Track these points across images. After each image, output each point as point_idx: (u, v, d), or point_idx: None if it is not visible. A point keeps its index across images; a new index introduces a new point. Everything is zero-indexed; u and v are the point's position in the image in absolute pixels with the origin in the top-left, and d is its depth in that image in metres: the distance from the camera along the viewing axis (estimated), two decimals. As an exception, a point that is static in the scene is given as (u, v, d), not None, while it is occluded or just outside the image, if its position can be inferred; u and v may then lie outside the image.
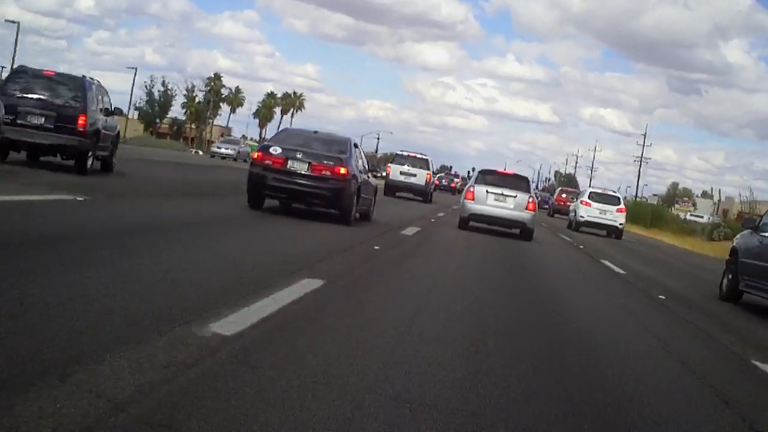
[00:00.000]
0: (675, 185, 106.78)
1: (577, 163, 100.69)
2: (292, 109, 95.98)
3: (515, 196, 14.76)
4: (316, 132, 12.76)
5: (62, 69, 15.53)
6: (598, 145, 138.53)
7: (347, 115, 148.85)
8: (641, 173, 72.43)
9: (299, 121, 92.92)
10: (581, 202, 25.59)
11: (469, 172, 16.97)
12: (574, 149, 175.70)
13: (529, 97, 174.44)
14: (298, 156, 11.08)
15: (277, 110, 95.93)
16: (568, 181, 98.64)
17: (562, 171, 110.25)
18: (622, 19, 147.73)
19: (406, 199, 28.35)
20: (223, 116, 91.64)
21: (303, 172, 10.97)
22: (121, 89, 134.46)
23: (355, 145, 12.53)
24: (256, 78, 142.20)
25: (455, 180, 57.72)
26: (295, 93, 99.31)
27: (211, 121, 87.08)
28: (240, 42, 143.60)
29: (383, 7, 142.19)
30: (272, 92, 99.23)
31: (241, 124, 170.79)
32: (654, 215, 47.17)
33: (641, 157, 71.63)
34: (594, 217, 24.71)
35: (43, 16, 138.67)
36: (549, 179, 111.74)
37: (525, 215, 14.77)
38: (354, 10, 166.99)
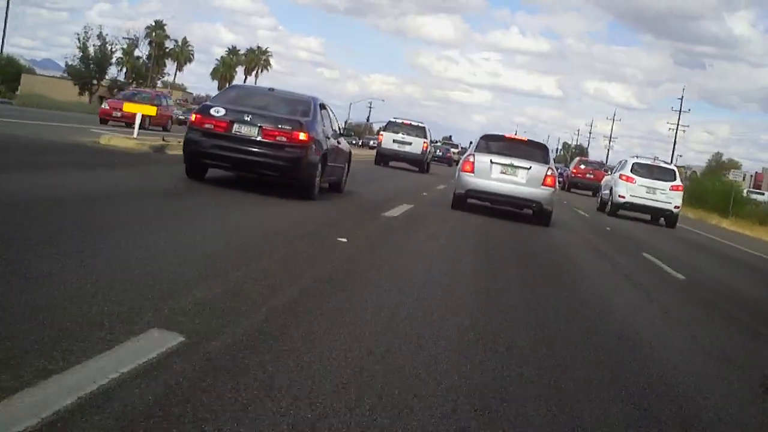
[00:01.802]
0: (718, 156, 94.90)
1: (591, 133, 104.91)
2: (258, 68, 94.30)
3: (528, 168, 13.14)
4: (271, 89, 12.25)
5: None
6: (598, 119, 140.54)
7: (350, 89, 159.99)
8: (676, 142, 70.94)
9: (269, 83, 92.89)
10: (621, 176, 21.58)
11: (470, 142, 16.39)
12: (578, 123, 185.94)
13: (533, 70, 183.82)
14: (245, 119, 10.53)
15: (240, 70, 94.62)
16: (580, 153, 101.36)
17: (571, 143, 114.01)
18: None
19: (401, 169, 29.16)
20: (174, 77, 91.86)
21: (252, 138, 10.42)
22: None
23: (322, 106, 11.99)
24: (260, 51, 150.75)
25: (451, 150, 57.35)
26: (259, 48, 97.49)
27: (158, 80, 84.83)
28: (243, 14, 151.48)
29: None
30: (234, 47, 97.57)
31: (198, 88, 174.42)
32: (722, 196, 38.06)
33: (677, 125, 70.87)
34: (640, 197, 21.04)
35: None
36: (558, 149, 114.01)
37: (541, 192, 13.12)
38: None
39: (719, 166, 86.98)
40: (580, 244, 12.79)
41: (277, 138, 10.47)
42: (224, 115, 10.54)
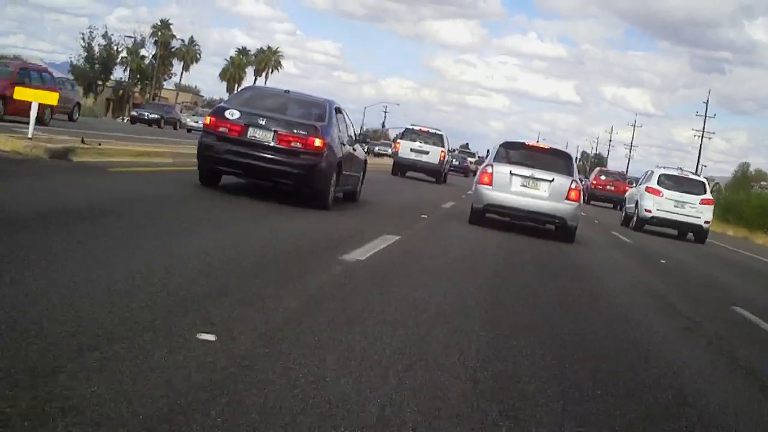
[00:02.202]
0: (745, 166, 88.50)
1: (611, 141, 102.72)
2: (268, 69, 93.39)
3: (551, 180, 12.57)
4: (287, 92, 12.31)
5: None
6: (616, 125, 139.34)
7: (367, 92, 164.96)
8: (702, 150, 68.60)
9: (281, 84, 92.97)
10: (647, 189, 20.95)
11: (488, 150, 15.84)
12: (596, 130, 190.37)
13: (551, 75, 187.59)
14: (260, 122, 10.57)
15: (250, 71, 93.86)
16: (599, 162, 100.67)
17: (589, 151, 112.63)
18: None
19: (418, 179, 29.01)
20: (187, 78, 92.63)
21: (267, 144, 10.47)
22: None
23: (338, 110, 12.04)
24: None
25: (468, 160, 57.09)
26: (270, 47, 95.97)
27: (164, 80, 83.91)
28: (261, 20, 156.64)
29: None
30: (244, 48, 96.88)
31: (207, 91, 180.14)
32: (761, 210, 35.98)
33: (702, 131, 68.61)
34: (667, 211, 20.42)
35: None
36: (578, 159, 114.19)
37: (565, 207, 12.58)
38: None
39: (745, 177, 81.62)
40: (632, 284, 9.80)
41: (292, 144, 10.49)
42: (239, 118, 10.58)
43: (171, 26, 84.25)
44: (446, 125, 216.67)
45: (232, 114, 10.66)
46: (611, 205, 36.67)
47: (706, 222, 20.57)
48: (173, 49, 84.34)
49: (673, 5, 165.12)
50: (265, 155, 10.47)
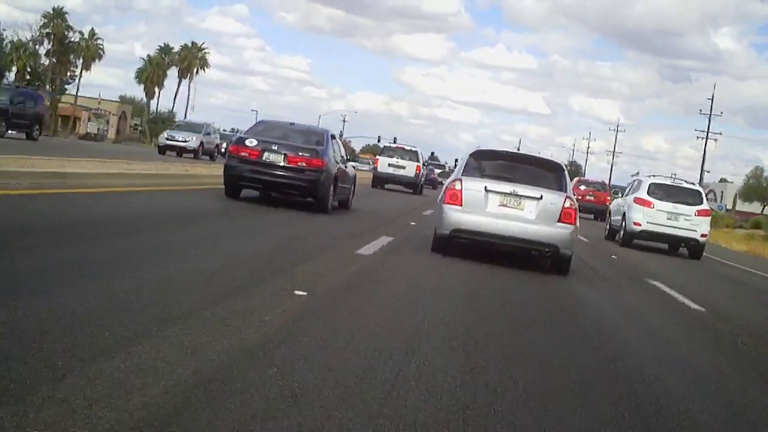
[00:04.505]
0: (758, 171, 76.64)
1: (588, 149, 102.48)
2: (195, 69, 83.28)
3: (539, 198, 10.16)
4: (292, 124, 15.43)
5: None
6: (587, 135, 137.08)
7: (336, 107, 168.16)
8: (704, 159, 65.89)
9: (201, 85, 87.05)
10: (636, 200, 19.01)
11: (456, 160, 14.14)
12: (566, 140, 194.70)
13: (520, 87, 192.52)
14: (273, 148, 13.59)
15: (172, 73, 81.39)
16: (575, 172, 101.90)
17: (564, 161, 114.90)
18: (613, 8, 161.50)
19: (396, 191, 32.25)
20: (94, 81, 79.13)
21: (279, 164, 13.46)
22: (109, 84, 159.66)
23: (332, 137, 15.14)
24: (246, 72, 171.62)
25: (436, 171, 58.74)
26: (194, 43, 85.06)
27: (66, 82, 69.83)
28: (229, 36, 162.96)
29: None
30: (167, 44, 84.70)
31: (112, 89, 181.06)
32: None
33: (707, 132, 65.65)
34: (659, 224, 18.54)
35: (34, 13, 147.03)
36: None
37: (558, 232, 10.06)
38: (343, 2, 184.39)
39: (759, 184, 73.95)
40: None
41: (299, 163, 13.52)
42: (256, 145, 13.61)
43: (66, 15, 70.88)
44: (417, 138, 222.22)
45: (251, 142, 13.70)
46: (592, 216, 35.17)
47: (702, 235, 18.71)
48: (69, 43, 71.26)
49: (640, 15, 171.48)
50: (277, 173, 13.52)
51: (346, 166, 15.89)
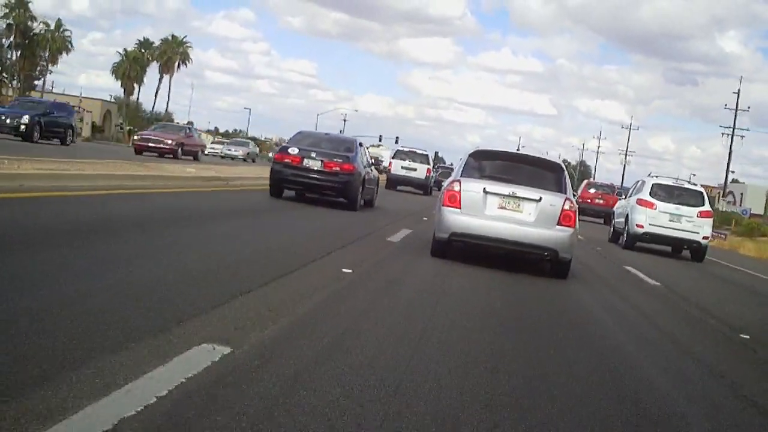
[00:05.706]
0: None
1: (599, 149, 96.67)
2: (176, 64, 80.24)
3: (538, 200, 10.08)
4: (327, 134, 18.10)
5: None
6: (599, 134, 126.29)
7: (342, 110, 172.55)
8: (730, 158, 61.47)
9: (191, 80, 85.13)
10: (639, 201, 18.94)
11: (456, 161, 14.72)
12: (572, 140, 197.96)
13: (526, 89, 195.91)
14: (312, 155, 16.03)
15: (152, 68, 78.17)
16: (584, 173, 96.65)
17: (572, 162, 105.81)
18: (619, 12, 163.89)
19: (408, 192, 34.83)
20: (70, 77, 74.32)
21: (317, 168, 15.90)
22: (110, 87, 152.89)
23: (360, 144, 17.57)
24: (252, 75, 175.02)
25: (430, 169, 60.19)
26: (174, 37, 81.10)
27: (36, 77, 64.96)
28: (236, 41, 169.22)
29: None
30: (146, 39, 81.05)
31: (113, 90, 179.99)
32: None
33: (732, 131, 61.86)
34: (661, 226, 18.47)
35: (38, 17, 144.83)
36: None
37: (557, 235, 9.99)
38: (349, 6, 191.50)
39: None
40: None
41: (333, 168, 15.96)
42: (298, 152, 16.06)
43: (30, 4, 66.79)
44: (423, 139, 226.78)
45: (293, 150, 16.15)
46: (602, 221, 33.46)
47: (705, 237, 18.68)
48: (33, 35, 67.40)
49: (646, 18, 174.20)
50: (315, 176, 15.98)
51: (371, 170, 18.33)
